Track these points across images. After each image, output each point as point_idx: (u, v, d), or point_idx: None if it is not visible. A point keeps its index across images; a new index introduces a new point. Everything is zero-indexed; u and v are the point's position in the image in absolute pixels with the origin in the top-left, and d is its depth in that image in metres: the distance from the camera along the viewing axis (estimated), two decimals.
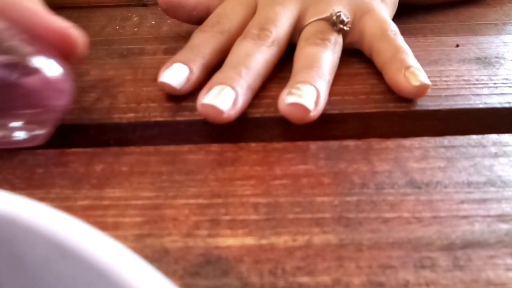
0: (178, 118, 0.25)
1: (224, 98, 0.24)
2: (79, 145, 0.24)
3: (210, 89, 0.25)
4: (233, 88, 0.25)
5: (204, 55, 0.28)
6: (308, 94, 0.24)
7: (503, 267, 0.16)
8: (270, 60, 0.28)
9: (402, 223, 0.18)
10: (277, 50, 0.29)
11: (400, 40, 0.29)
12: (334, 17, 0.30)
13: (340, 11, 0.30)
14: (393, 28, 0.30)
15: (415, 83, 0.26)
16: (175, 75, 0.27)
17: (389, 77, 0.27)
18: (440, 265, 0.16)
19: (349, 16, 0.30)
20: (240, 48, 0.28)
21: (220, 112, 0.24)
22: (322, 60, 0.27)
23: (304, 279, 0.16)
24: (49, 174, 0.22)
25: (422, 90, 0.26)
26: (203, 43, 0.29)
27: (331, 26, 0.30)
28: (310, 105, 0.24)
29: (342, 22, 0.30)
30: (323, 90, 0.25)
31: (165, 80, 0.26)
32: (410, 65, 0.27)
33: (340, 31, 0.30)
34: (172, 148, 0.23)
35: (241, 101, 0.25)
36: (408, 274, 0.16)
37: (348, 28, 0.30)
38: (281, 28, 0.30)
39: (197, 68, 0.27)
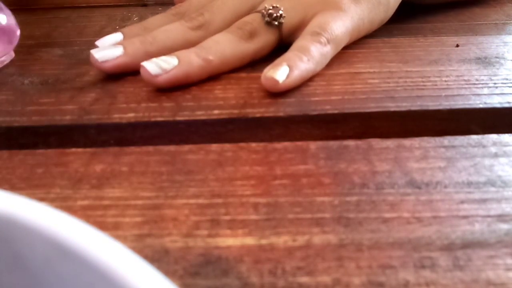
0: (178, 118, 0.25)
1: (109, 52, 0.29)
2: (79, 145, 0.24)
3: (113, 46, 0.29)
4: (124, 48, 0.29)
5: (146, 31, 0.31)
6: (164, 64, 0.27)
7: (503, 267, 0.16)
8: (190, 41, 0.30)
9: (402, 223, 0.18)
10: (203, 34, 0.30)
11: (316, 46, 0.28)
12: (264, 11, 0.30)
13: (276, 6, 0.30)
14: (328, 34, 0.29)
15: (267, 74, 0.26)
16: (108, 41, 0.31)
17: None
18: (440, 265, 0.16)
19: (283, 13, 0.30)
20: (167, 25, 0.31)
21: (95, 60, 0.28)
22: (216, 44, 0.29)
23: (304, 279, 0.16)
24: (49, 174, 0.22)
25: (269, 82, 0.26)
26: (153, 21, 0.33)
27: (262, 18, 0.30)
28: (154, 71, 0.27)
29: (270, 15, 0.30)
30: (187, 66, 0.27)
31: (97, 43, 0.31)
32: (286, 62, 0.27)
33: (269, 24, 0.30)
34: (172, 148, 0.23)
35: (122, 60, 0.29)
36: (408, 274, 0.16)
37: (278, 23, 0.30)
38: (219, 15, 0.31)
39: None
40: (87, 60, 0.31)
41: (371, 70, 0.29)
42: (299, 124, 0.25)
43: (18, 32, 0.33)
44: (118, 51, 0.29)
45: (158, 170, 0.22)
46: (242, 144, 0.23)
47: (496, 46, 0.33)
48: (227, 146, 0.23)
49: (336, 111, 0.25)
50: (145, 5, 0.48)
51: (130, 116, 0.26)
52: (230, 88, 0.28)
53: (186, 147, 0.23)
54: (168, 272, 0.16)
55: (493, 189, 0.20)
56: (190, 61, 0.27)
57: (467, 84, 0.28)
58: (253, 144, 0.23)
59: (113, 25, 0.41)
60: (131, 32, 0.32)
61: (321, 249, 0.17)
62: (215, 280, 0.16)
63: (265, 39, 0.30)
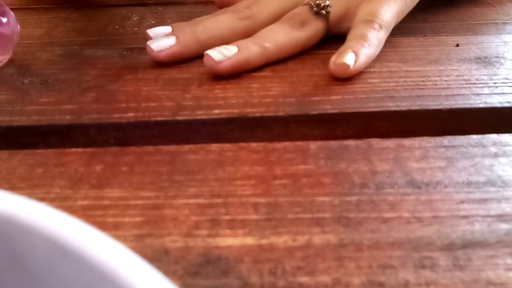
0: (178, 118, 0.25)
1: (164, 42, 0.30)
2: (79, 145, 0.24)
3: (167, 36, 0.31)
4: (177, 37, 0.31)
5: (195, 24, 0.33)
6: (225, 51, 0.28)
7: (503, 267, 0.16)
8: (238, 30, 0.32)
9: (402, 223, 0.18)
10: (250, 24, 0.32)
11: (368, 28, 0.30)
12: (312, 2, 0.32)
13: None
14: (379, 20, 0.31)
15: (337, 61, 0.28)
16: (159, 30, 0.32)
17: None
18: (440, 265, 0.16)
19: (329, 3, 0.32)
20: (216, 16, 0.33)
21: (151, 50, 0.30)
22: (271, 33, 0.30)
23: (304, 279, 0.16)
24: (49, 174, 0.22)
25: (339, 68, 0.28)
26: (202, 19, 0.34)
27: (310, 9, 0.32)
28: (218, 58, 0.28)
29: (318, 5, 0.32)
30: (246, 52, 0.29)
31: (149, 31, 0.32)
32: (351, 49, 0.28)
33: (317, 14, 0.32)
34: (172, 148, 0.23)
35: (176, 49, 0.30)
36: (408, 274, 0.16)
37: (325, 12, 0.32)
38: (265, 8, 0.33)
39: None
40: (87, 60, 0.31)
41: (371, 70, 0.29)
42: (299, 124, 0.25)
43: (19, 31, 0.33)
44: (171, 40, 0.31)
45: (158, 170, 0.22)
46: (242, 144, 0.23)
47: (496, 45, 0.33)
48: (227, 146, 0.23)
49: (336, 111, 0.25)
50: (145, 5, 0.47)
51: (130, 116, 0.26)
52: (230, 88, 0.28)
53: (186, 147, 0.23)
54: (168, 272, 0.16)
55: (493, 189, 0.20)
56: (249, 48, 0.29)
57: (467, 83, 0.28)
58: (253, 144, 0.23)
59: (113, 25, 0.41)
60: (180, 25, 0.33)
61: (321, 249, 0.17)
62: (215, 280, 0.16)
63: (315, 27, 0.32)
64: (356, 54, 0.28)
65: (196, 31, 0.31)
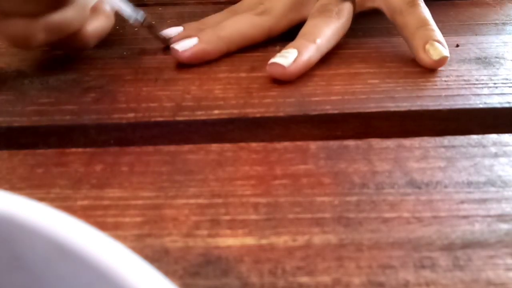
0: (178, 118, 0.25)
1: (187, 42, 0.30)
2: (79, 145, 0.24)
3: (183, 35, 0.31)
4: (199, 37, 0.31)
5: (204, 25, 0.33)
6: (288, 55, 0.28)
7: (503, 267, 0.16)
8: (257, 24, 0.32)
9: (402, 223, 0.18)
10: (267, 18, 0.33)
11: (421, 10, 0.31)
12: None
13: None
14: None
15: (435, 57, 0.29)
16: (171, 31, 0.33)
17: (413, 52, 0.30)
18: (440, 265, 0.16)
19: None
20: (234, 16, 0.33)
21: (176, 51, 0.30)
22: (316, 28, 0.31)
23: (304, 279, 0.16)
24: (49, 174, 0.22)
25: (441, 62, 0.29)
26: (211, 17, 0.35)
27: None
28: (286, 63, 0.28)
29: None
30: (307, 52, 0.29)
31: (162, 33, 0.33)
32: (430, 39, 0.29)
33: None
34: (172, 148, 0.23)
35: (197, 48, 0.30)
36: (408, 274, 0.16)
37: None
38: (279, 1, 0.33)
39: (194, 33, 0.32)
40: (87, 60, 0.31)
41: (371, 70, 0.29)
42: (299, 124, 0.25)
43: None
44: (194, 40, 0.31)
45: (158, 170, 0.22)
46: (242, 144, 0.23)
47: (496, 46, 0.33)
48: (227, 146, 0.23)
49: (336, 111, 0.25)
50: (145, 5, 0.47)
51: (130, 116, 0.26)
52: (230, 88, 0.28)
53: (186, 147, 0.23)
54: (168, 272, 0.16)
55: (493, 189, 0.20)
56: (307, 47, 0.29)
57: (467, 84, 0.28)
58: (253, 144, 0.23)
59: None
60: (190, 26, 0.34)
61: (321, 249, 0.17)
62: (215, 280, 0.16)
63: (348, 11, 0.32)
64: (437, 41, 0.29)
65: (216, 30, 0.32)
